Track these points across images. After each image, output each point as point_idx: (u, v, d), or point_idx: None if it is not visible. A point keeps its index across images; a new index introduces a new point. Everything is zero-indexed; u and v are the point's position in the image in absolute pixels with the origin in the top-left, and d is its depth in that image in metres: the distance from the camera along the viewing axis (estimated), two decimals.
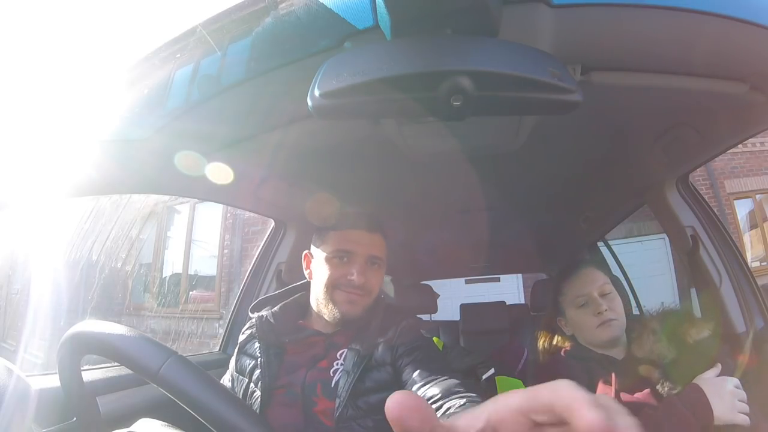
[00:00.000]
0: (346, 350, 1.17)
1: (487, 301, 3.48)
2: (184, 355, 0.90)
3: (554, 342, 1.47)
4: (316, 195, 1.64)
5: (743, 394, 1.11)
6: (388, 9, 0.68)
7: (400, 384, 1.10)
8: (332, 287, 1.20)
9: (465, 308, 3.35)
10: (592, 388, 1.23)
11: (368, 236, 1.24)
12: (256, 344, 1.20)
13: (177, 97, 0.97)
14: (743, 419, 1.07)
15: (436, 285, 3.43)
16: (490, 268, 3.59)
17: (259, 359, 1.17)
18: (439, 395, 0.95)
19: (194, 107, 0.97)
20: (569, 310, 1.41)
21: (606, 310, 1.33)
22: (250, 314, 1.28)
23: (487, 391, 2.14)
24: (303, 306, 1.31)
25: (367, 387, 1.10)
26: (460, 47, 0.65)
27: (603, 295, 1.37)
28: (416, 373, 1.07)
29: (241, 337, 1.29)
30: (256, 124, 1.08)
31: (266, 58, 0.89)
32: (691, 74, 0.98)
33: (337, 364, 1.15)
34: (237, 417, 0.81)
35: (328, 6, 0.81)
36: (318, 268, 1.24)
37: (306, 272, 1.31)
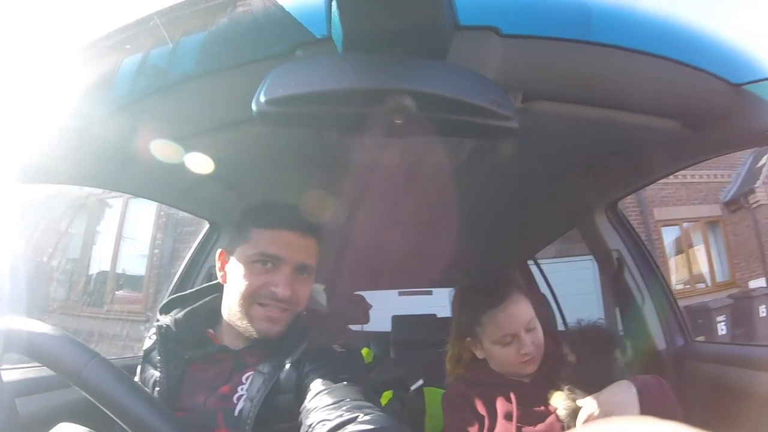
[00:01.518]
0: (252, 373, 1.00)
1: (418, 313, 3.48)
2: (108, 358, 0.85)
3: (460, 364, 1.41)
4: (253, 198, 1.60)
5: None
6: (343, 23, 0.69)
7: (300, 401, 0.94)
8: (250, 299, 1.01)
9: (397, 320, 3.35)
10: (493, 413, 1.23)
11: (301, 240, 1.04)
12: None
13: (122, 87, 0.93)
14: None
15: (369, 296, 3.43)
16: (424, 281, 3.64)
17: (159, 374, 1.00)
18: (326, 405, 0.83)
19: (139, 99, 0.94)
20: (489, 345, 1.27)
21: (532, 349, 1.22)
22: (158, 316, 1.09)
23: (415, 401, 2.20)
24: (213, 312, 1.11)
25: (273, 414, 0.95)
26: (407, 67, 0.67)
27: (528, 330, 1.24)
28: (314, 384, 0.92)
29: (147, 343, 1.08)
30: (199, 122, 1.04)
31: (217, 56, 0.88)
32: (628, 109, 1.04)
33: (242, 390, 0.99)
34: (161, 425, 0.78)
35: (284, 12, 0.81)
36: (235, 273, 1.03)
37: (219, 274, 1.09)
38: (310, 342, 1.01)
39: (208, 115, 1.02)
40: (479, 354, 1.31)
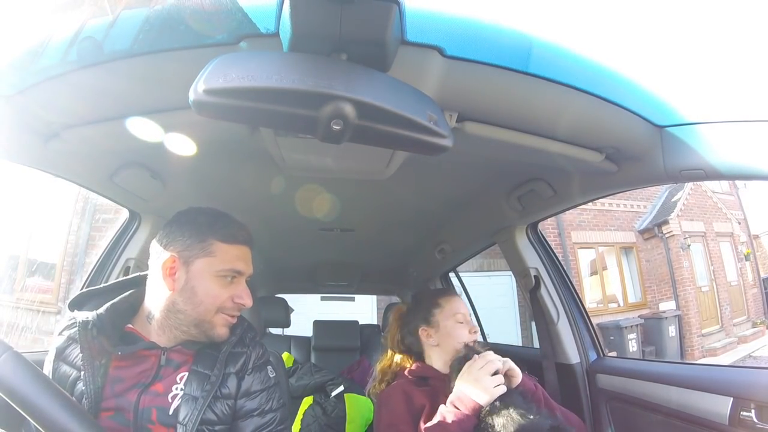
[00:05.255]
0: (187, 373, 1.05)
1: (340, 319, 3.52)
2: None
3: (398, 360, 1.55)
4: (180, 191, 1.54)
5: (492, 367, 1.25)
6: (293, 21, 0.69)
7: (235, 418, 1.09)
8: (217, 309, 1.07)
9: (318, 325, 3.36)
10: (434, 405, 1.32)
11: (249, 253, 1.14)
12: (78, 352, 0.99)
13: (53, 56, 0.87)
14: (501, 390, 1.22)
15: (291, 299, 3.35)
16: (347, 287, 3.67)
17: (82, 372, 0.98)
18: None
19: (69, 72, 0.88)
20: (446, 321, 1.49)
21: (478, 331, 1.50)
22: (69, 311, 1.07)
23: (336, 407, 2.20)
24: (132, 307, 1.12)
25: (212, 418, 1.03)
26: (350, 75, 0.68)
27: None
28: (249, 406, 1.10)
29: (59, 340, 1.05)
30: (132, 103, 0.99)
31: (157, 36, 0.84)
32: (555, 139, 1.10)
33: (177, 389, 1.03)
34: (79, 427, 0.77)
35: (234, 2, 0.80)
36: (201, 284, 1.05)
37: (166, 279, 1.06)
38: (246, 357, 1.14)
39: (142, 98, 0.97)
40: (432, 341, 1.50)
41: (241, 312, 1.13)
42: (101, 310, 1.03)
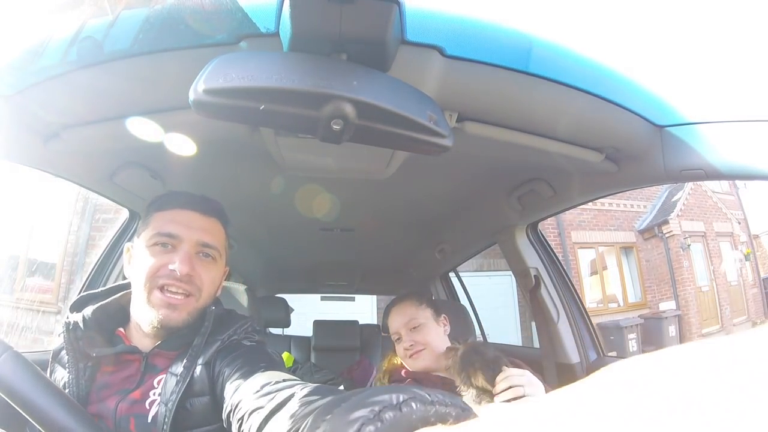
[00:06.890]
0: (164, 376, 0.96)
1: (340, 319, 3.52)
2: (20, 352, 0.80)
3: (397, 361, 1.57)
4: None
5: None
6: (293, 20, 0.69)
7: (219, 405, 0.90)
8: (150, 283, 0.95)
9: (318, 324, 3.36)
10: None
11: (201, 219, 1.02)
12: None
13: (52, 56, 0.86)
14: None
15: (291, 299, 3.34)
16: (347, 287, 3.66)
17: (69, 375, 0.94)
18: (253, 392, 0.76)
19: (69, 72, 0.88)
20: (396, 344, 1.53)
21: (411, 345, 1.44)
22: (68, 314, 1.01)
23: None
24: (123, 309, 1.05)
25: (189, 419, 0.92)
26: (350, 74, 0.68)
27: (412, 329, 1.47)
28: (231, 380, 0.88)
29: (57, 342, 1.02)
30: (131, 103, 0.99)
31: (157, 36, 0.84)
32: (555, 139, 1.10)
33: (154, 394, 0.94)
34: (79, 428, 0.75)
35: (234, 2, 0.80)
36: (137, 260, 0.99)
37: (127, 270, 1.04)
38: (221, 342, 0.99)
39: (141, 98, 0.97)
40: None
41: (182, 284, 0.97)
42: (87, 311, 0.98)
